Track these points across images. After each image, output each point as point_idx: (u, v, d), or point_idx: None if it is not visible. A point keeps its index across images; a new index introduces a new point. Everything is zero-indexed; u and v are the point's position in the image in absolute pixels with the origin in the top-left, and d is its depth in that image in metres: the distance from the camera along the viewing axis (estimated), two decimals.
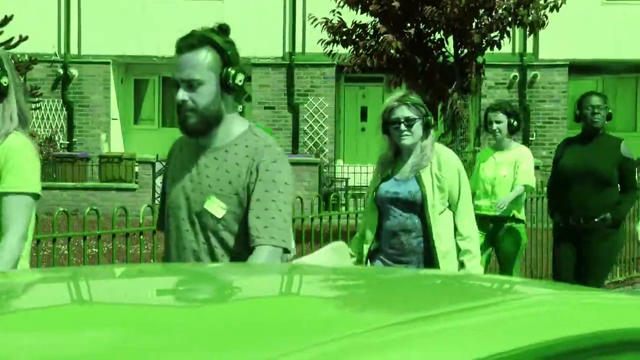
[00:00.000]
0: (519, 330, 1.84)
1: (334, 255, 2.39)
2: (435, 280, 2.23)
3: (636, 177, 7.68)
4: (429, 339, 1.72)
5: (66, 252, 7.34)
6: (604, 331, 1.98)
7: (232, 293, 2.20)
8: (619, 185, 7.51)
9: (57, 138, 24.41)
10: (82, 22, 24.79)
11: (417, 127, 5.52)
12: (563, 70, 23.94)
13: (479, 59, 15.23)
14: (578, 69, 24.08)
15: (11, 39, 21.98)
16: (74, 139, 24.64)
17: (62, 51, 24.86)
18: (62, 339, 1.72)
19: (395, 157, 5.65)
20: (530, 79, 23.93)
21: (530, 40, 23.31)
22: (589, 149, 7.50)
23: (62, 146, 24.32)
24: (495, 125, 8.37)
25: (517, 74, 23.90)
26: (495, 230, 8.12)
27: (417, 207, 5.47)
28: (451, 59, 15.09)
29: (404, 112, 5.52)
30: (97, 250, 7.66)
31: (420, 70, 14.96)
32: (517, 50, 23.84)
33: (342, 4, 15.10)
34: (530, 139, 23.36)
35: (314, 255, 2.42)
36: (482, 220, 7.65)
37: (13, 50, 21.92)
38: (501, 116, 8.39)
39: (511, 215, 8.06)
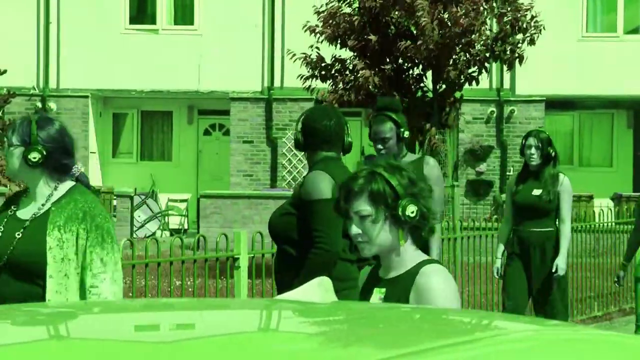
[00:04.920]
0: None
1: (319, 290, 2.42)
2: (419, 316, 2.25)
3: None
4: None
5: None
6: None
7: (212, 328, 2.21)
8: None
9: None
10: (60, 56, 24.77)
11: None
12: (540, 105, 24.10)
13: (457, 95, 15.33)
14: (554, 104, 24.25)
15: None
16: None
17: (41, 85, 24.82)
18: None
19: None
20: (507, 114, 24.08)
21: (507, 75, 23.47)
22: None
23: None
24: None
25: (494, 109, 24.03)
26: None
27: None
28: (430, 94, 15.17)
29: None
30: None
31: None
32: (494, 86, 23.98)
33: (321, 39, 15.18)
34: (508, 173, 23.45)
35: (298, 291, 2.44)
36: None
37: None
38: None
39: None
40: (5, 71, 21.69)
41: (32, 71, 24.70)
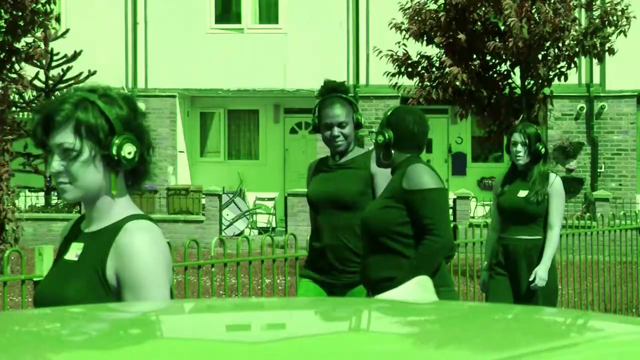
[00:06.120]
0: None
1: (418, 289, 2.38)
2: (518, 317, 2.20)
3: (444, 215, 5.00)
4: None
5: None
6: None
7: (304, 328, 2.17)
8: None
9: None
10: (148, 56, 25.11)
11: None
12: (631, 101, 23.66)
13: (546, 91, 15.13)
14: None
15: (80, 74, 22.35)
16: None
17: (130, 85, 25.19)
18: None
19: None
20: (597, 110, 23.69)
21: (597, 71, 23.10)
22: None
23: None
24: None
25: (584, 105, 23.67)
26: None
27: None
28: (518, 91, 15.01)
29: None
30: None
31: (486, 102, 14.90)
32: (583, 81, 23.62)
33: (407, 36, 15.11)
34: (599, 170, 23.08)
35: (398, 290, 2.41)
36: None
37: (82, 85, 22.33)
38: None
39: None
40: (95, 72, 22.06)
41: (121, 72, 25.07)
